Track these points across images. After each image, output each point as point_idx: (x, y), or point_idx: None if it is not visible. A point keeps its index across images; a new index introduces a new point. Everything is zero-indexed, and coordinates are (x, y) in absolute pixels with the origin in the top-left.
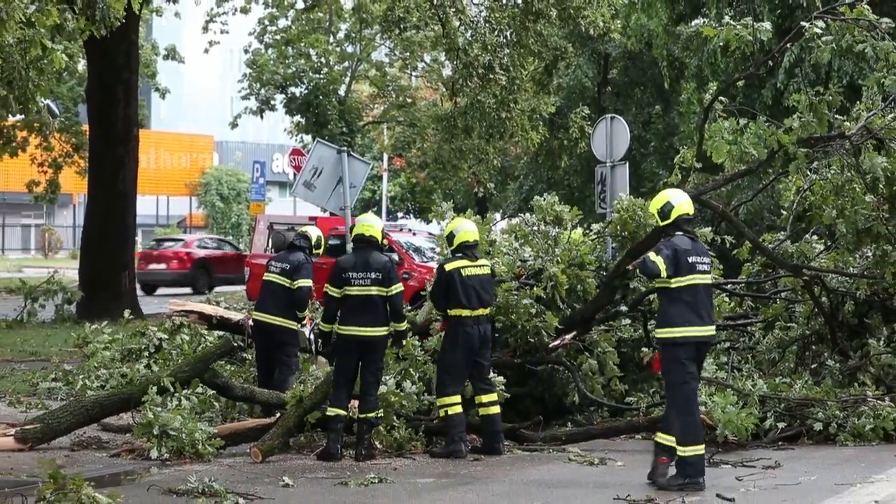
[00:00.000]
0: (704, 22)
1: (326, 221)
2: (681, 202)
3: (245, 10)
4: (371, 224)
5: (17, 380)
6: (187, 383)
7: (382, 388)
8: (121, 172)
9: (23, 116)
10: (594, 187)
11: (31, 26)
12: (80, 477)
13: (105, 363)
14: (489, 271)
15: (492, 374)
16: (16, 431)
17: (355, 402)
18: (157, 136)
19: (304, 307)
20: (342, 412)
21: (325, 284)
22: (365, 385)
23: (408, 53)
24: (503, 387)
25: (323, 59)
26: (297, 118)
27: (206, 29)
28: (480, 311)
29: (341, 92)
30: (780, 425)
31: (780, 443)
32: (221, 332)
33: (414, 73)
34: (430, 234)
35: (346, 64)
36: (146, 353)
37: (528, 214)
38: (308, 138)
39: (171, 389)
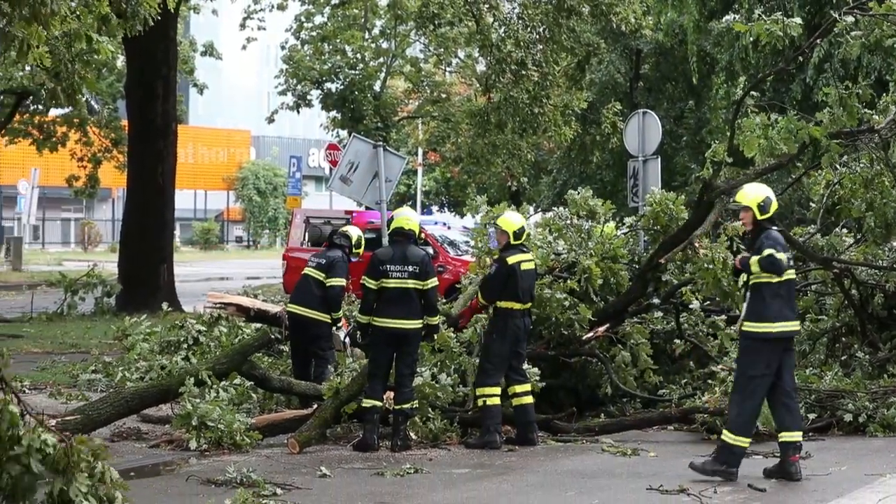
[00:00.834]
0: (735, 18)
1: (362, 216)
2: (774, 198)
3: (282, 7)
4: (409, 218)
5: (57, 371)
6: (225, 375)
7: (418, 380)
8: (159, 167)
9: (70, 109)
10: (626, 181)
11: (77, 19)
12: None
13: (144, 355)
14: (535, 266)
15: (526, 366)
16: (56, 422)
17: (390, 394)
18: (195, 131)
19: (336, 306)
20: (378, 403)
21: (363, 276)
22: (400, 377)
23: (442, 49)
24: (537, 378)
25: (358, 55)
26: (333, 113)
27: (243, 25)
28: (529, 305)
29: (377, 87)
30: (811, 416)
31: (810, 434)
32: (259, 325)
33: (448, 69)
34: (464, 227)
35: (382, 60)
36: (185, 346)
37: (561, 208)
38: (344, 133)
39: (209, 382)
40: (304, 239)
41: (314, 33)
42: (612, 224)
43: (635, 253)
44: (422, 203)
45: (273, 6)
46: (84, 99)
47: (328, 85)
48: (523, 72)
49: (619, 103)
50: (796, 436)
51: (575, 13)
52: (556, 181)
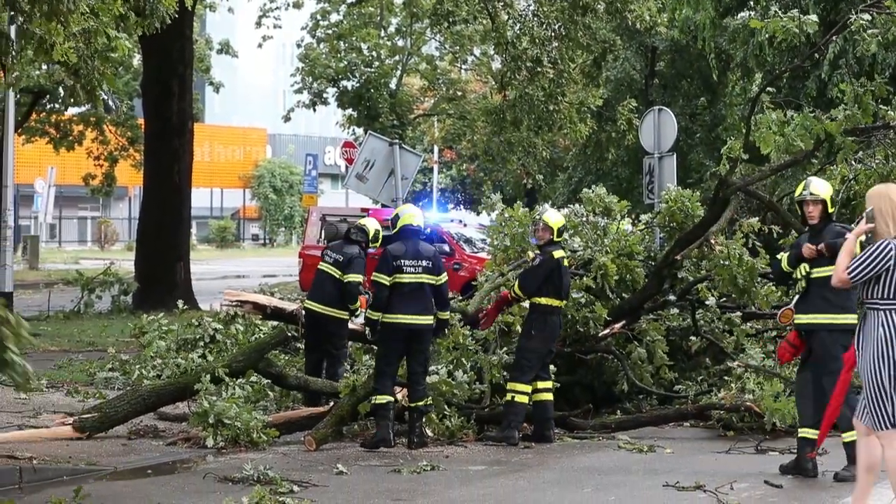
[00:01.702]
0: (751, 15)
1: (378, 214)
2: None
3: (298, 5)
4: (416, 214)
5: (74, 370)
6: (242, 373)
7: (434, 378)
8: (176, 165)
9: (87, 107)
10: (642, 178)
11: (96, 17)
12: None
13: (161, 353)
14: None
15: None
16: (74, 420)
17: (404, 391)
18: (212, 129)
19: (353, 299)
20: (391, 398)
21: (374, 272)
22: (413, 375)
23: (457, 47)
24: (554, 375)
25: (374, 53)
26: (349, 111)
27: (259, 24)
28: (564, 303)
29: (392, 85)
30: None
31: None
32: (275, 322)
33: (464, 67)
34: (480, 224)
35: (397, 58)
36: (201, 343)
37: (577, 205)
38: (360, 131)
39: (225, 380)
40: (320, 237)
41: (330, 31)
42: (627, 221)
43: (651, 250)
44: (438, 200)
45: (289, 4)
46: (102, 97)
47: (344, 83)
48: (538, 69)
49: (634, 100)
50: (814, 432)
51: (590, 10)
52: (571, 178)
